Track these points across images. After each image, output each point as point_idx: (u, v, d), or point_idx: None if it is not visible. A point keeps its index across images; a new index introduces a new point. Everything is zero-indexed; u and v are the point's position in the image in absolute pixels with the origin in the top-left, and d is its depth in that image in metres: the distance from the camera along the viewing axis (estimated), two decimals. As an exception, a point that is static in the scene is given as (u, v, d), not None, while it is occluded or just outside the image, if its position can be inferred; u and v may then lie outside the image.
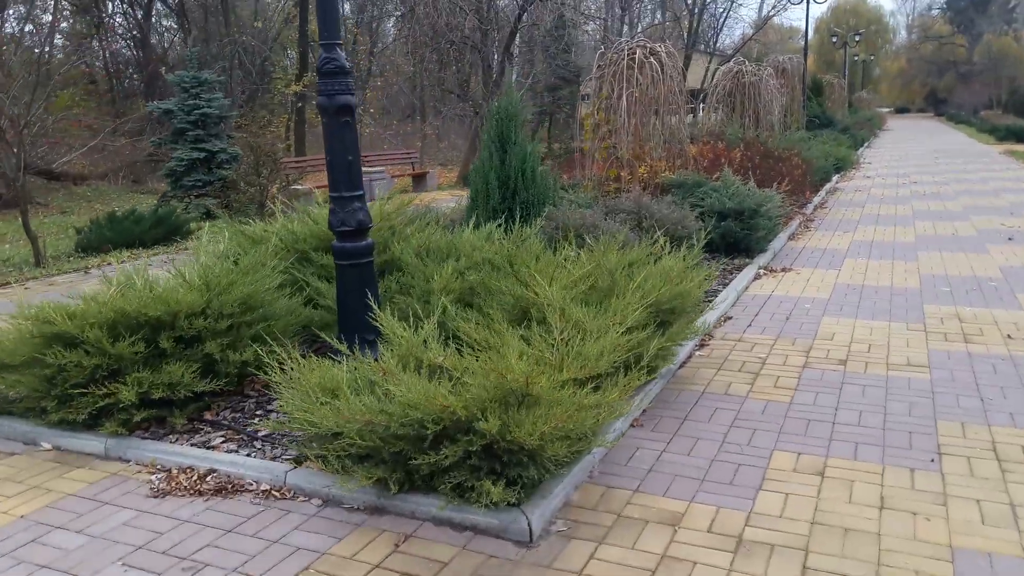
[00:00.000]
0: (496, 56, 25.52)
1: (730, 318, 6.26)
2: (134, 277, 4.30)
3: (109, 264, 9.62)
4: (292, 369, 3.28)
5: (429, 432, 2.84)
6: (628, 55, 9.32)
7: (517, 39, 32.41)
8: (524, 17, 26.61)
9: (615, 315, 3.89)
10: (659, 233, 5.56)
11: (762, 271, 8.00)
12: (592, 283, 4.47)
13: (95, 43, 31.00)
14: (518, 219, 6.40)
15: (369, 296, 4.03)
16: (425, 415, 2.80)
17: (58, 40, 32.75)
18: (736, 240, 8.36)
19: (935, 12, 76.53)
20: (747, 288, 7.31)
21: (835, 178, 17.33)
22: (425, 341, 3.53)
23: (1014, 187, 15.50)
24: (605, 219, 6.30)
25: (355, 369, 3.30)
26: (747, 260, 8.20)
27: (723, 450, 3.74)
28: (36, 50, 28.98)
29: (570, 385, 3.21)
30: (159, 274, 4.41)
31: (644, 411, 4.24)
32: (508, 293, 4.19)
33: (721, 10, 45.82)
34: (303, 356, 3.44)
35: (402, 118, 34.89)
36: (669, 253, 5.22)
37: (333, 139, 3.95)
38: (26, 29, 29.13)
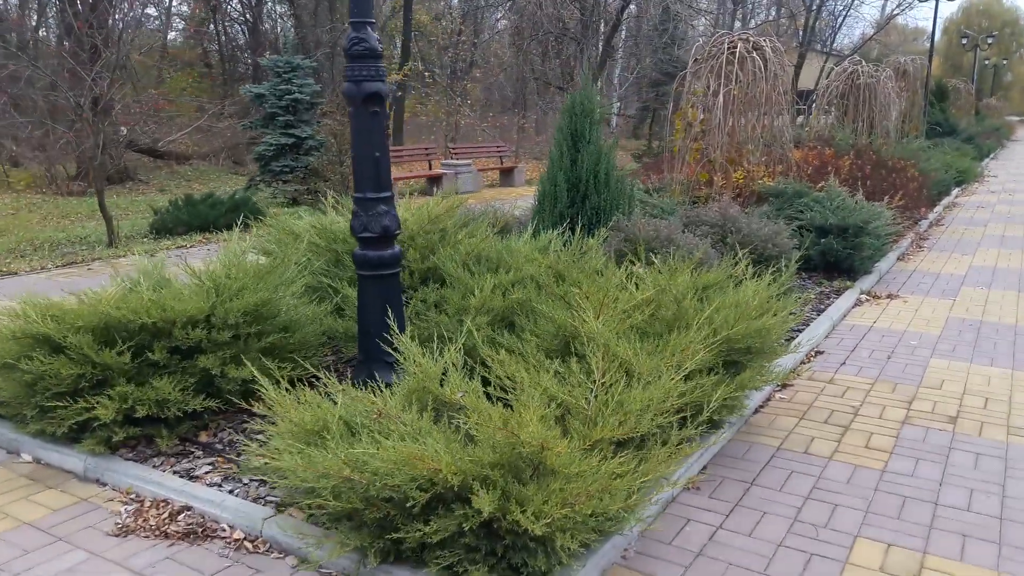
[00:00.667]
0: (598, 49, 24.81)
1: (821, 352, 5.49)
2: (151, 272, 3.94)
3: (181, 247, 9.54)
4: (275, 399, 2.81)
5: (417, 500, 2.31)
6: (728, 49, 8.53)
7: (623, 33, 31.61)
8: (630, 9, 25.79)
9: (673, 355, 3.26)
10: (741, 254, 4.85)
11: (864, 297, 7.13)
12: (654, 310, 3.85)
13: (211, 27, 31.96)
14: (586, 227, 5.81)
15: (391, 313, 3.53)
16: (406, 481, 2.28)
17: (179, 25, 33.96)
18: (838, 259, 7.50)
19: (1079, 14, 70.73)
20: (845, 316, 6.48)
21: (955, 191, 15.89)
22: (445, 371, 3.02)
23: None
24: (684, 231, 5.63)
25: (351, 404, 2.81)
26: (848, 283, 7.33)
27: (794, 531, 3.07)
28: (157, 33, 30.11)
29: (604, 446, 2.63)
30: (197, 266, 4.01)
31: (703, 468, 3.60)
32: (549, 318, 3.62)
33: (841, 7, 43.68)
34: (327, 372, 2.97)
35: (501, 111, 34.52)
36: (755, 277, 4.53)
37: (360, 131, 3.47)
38: (147, 11, 30.21)
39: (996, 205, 14.54)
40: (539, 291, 4.03)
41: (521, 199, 14.09)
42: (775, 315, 3.94)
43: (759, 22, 44.14)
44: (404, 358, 3.08)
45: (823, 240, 7.40)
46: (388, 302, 3.56)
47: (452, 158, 17.60)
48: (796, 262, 7.60)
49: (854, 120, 13.34)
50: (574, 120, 6.07)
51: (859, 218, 7.33)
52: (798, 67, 35.12)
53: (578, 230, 5.82)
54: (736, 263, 4.80)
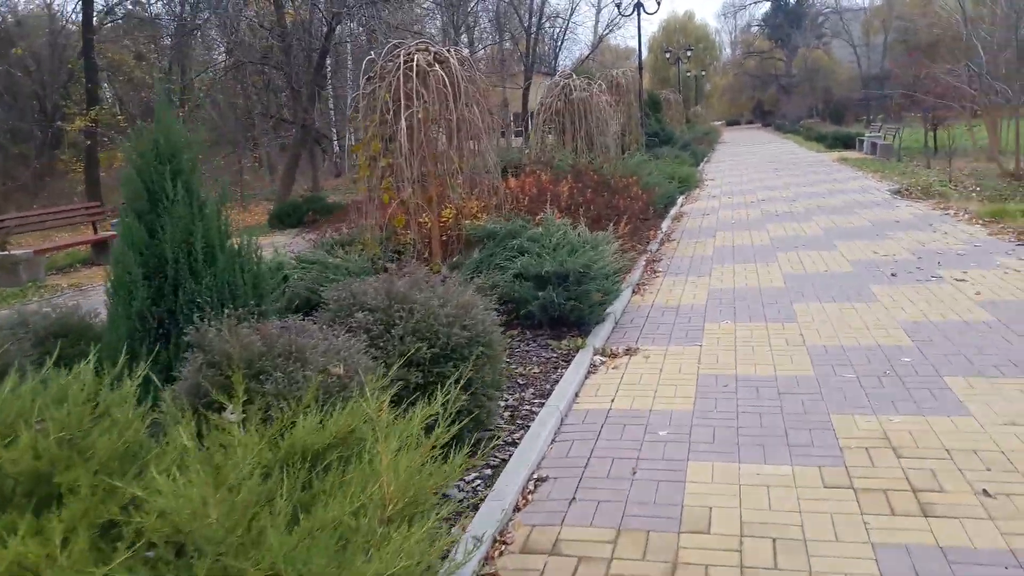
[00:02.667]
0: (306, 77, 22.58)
1: (544, 480, 3.82)
2: None
3: None
4: None
5: None
6: (405, 64, 6.85)
7: (348, 59, 29.58)
8: (338, 34, 23.88)
9: None
10: (414, 351, 3.02)
11: (599, 358, 5.67)
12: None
13: None
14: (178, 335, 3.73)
15: None
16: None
17: None
18: (563, 313, 6.02)
19: (755, 29, 79.82)
20: (577, 397, 4.94)
21: (680, 200, 15.64)
22: None
23: (864, 199, 14.26)
24: (331, 327, 3.75)
25: None
26: (579, 341, 5.85)
27: None
28: None
29: None
30: None
31: None
32: None
33: (558, 31, 45.06)
34: None
35: (233, 151, 30.85)
36: (426, 394, 2.72)
37: None
38: None
39: (719, 211, 14.34)
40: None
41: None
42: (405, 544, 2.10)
43: (485, 47, 44.35)
44: None
45: (542, 293, 5.88)
46: None
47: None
48: (512, 318, 6.07)
49: (573, 138, 12.37)
50: (148, 169, 3.95)
51: (579, 262, 5.90)
52: (526, 90, 35.33)
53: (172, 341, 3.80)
54: (389, 384, 2.97)
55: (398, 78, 6.81)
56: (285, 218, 17.60)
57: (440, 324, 3.87)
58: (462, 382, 3.56)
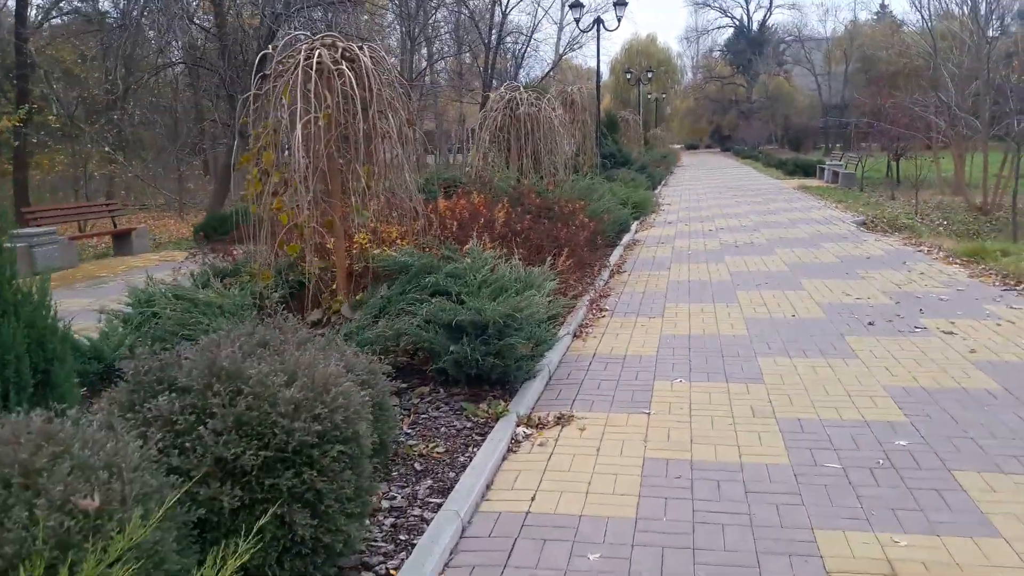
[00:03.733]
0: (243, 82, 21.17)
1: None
2: None
3: None
4: None
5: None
6: (305, 60, 5.70)
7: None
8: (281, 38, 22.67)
9: None
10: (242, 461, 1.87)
11: (523, 431, 4.54)
12: None
13: None
14: None
15: None
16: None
17: None
18: (483, 372, 4.89)
19: (716, 54, 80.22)
20: (488, 491, 3.80)
21: (634, 226, 14.67)
22: None
23: (829, 231, 13.45)
24: (125, 416, 2.59)
25: None
26: (501, 406, 4.72)
27: None
28: None
29: None
30: None
31: None
32: None
33: (520, 47, 44.32)
34: None
35: (186, 156, 28.88)
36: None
37: None
38: None
39: (675, 239, 13.39)
40: None
41: (130, 275, 10.32)
42: None
43: (445, 59, 43.38)
44: None
45: (454, 347, 4.74)
46: None
47: (27, 225, 13.07)
48: (424, 371, 4.94)
49: (519, 157, 11.30)
50: None
51: (502, 310, 4.78)
52: (482, 104, 34.33)
53: None
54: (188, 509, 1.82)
55: (296, 77, 5.65)
56: (211, 232, 16.22)
57: (279, 413, 2.71)
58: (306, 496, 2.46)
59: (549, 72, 43.97)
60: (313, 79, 5.73)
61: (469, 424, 4.57)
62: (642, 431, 4.50)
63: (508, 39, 42.39)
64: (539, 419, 4.70)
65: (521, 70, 43.99)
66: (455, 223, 7.11)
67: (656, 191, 24.14)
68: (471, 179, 10.22)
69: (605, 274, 9.31)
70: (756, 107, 67.96)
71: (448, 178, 10.53)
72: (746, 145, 62.76)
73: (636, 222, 15.34)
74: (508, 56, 44.52)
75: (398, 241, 6.58)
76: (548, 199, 9.07)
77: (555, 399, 5.12)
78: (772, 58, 70.81)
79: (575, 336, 6.76)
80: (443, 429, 4.51)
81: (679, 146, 75.09)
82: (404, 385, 5.06)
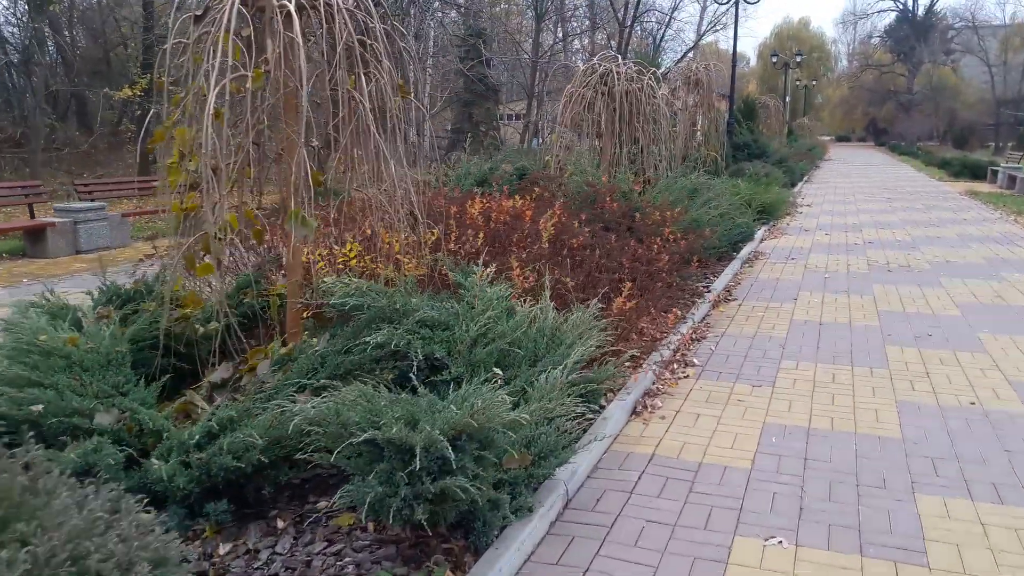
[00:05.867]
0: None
1: None
2: None
3: None
4: None
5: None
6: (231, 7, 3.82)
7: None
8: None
9: None
10: None
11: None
12: None
13: None
14: None
15: None
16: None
17: None
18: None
19: (875, 40, 73.64)
20: None
21: (760, 233, 12.12)
22: None
23: (1011, 256, 10.48)
24: None
25: None
26: (443, 581, 2.72)
27: None
28: None
29: None
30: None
31: None
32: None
33: (658, 27, 41.59)
34: None
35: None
36: None
37: None
38: None
39: (810, 254, 10.81)
40: None
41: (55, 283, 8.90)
42: None
43: (579, 37, 41.25)
44: None
45: (366, 484, 2.73)
46: None
47: None
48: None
49: (613, 145, 9.08)
50: None
51: (451, 419, 2.69)
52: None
53: None
54: None
55: (224, 14, 3.78)
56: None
57: None
58: None
59: (687, 54, 40.89)
60: (248, 21, 3.85)
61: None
62: None
63: (644, 17, 39.72)
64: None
65: (661, 53, 41.06)
66: (480, 233, 5.09)
67: (796, 188, 21.15)
68: (542, 174, 8.14)
69: (703, 307, 7.01)
70: (917, 99, 61.65)
71: (520, 168, 8.55)
72: (903, 140, 57.15)
73: (764, 227, 12.78)
74: (647, 38, 41.78)
75: (374, 264, 4.63)
76: (633, 203, 6.87)
77: (557, 562, 3.04)
78: (938, 45, 64.05)
79: (633, 414, 4.62)
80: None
81: (828, 138, 69.67)
82: (286, 522, 3.13)
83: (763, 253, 10.84)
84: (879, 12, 72.93)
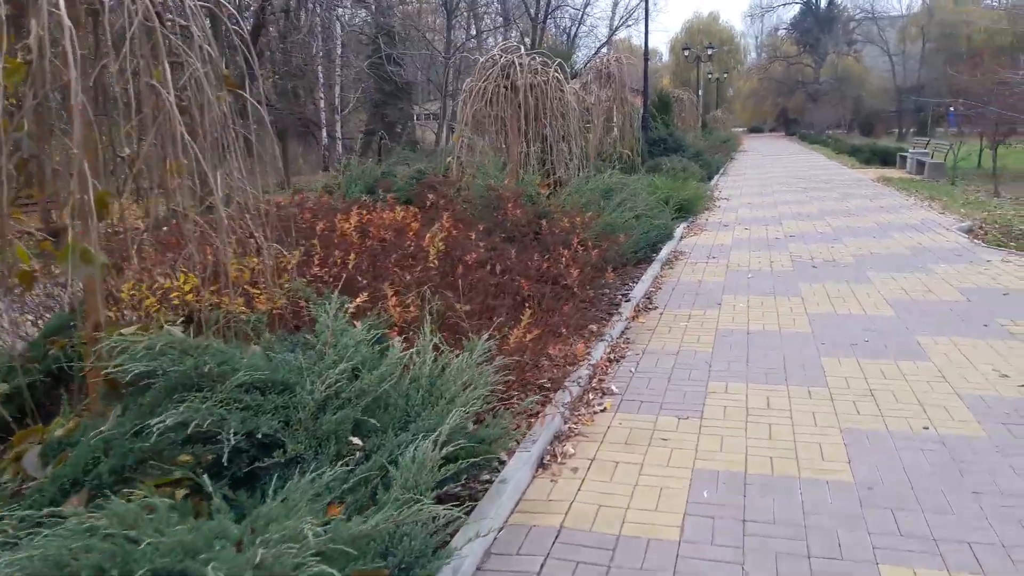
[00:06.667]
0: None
1: None
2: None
3: None
4: None
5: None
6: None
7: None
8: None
9: None
10: None
11: None
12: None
13: None
14: None
15: None
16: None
17: None
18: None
19: (782, 32, 75.29)
20: None
21: (679, 231, 11.54)
22: None
23: (932, 244, 10.14)
24: None
25: None
26: None
27: None
28: None
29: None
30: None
31: None
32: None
33: (571, 25, 41.32)
34: None
35: None
36: None
37: None
38: None
39: (731, 251, 10.28)
40: None
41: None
42: None
43: (490, 34, 40.44)
44: None
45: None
46: None
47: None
48: None
49: (520, 144, 8.30)
50: None
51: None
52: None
53: None
54: None
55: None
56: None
57: None
58: None
59: (600, 49, 40.63)
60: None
61: None
62: None
63: (557, 14, 39.32)
64: None
65: (576, 49, 40.67)
66: (351, 255, 4.21)
67: (712, 182, 20.84)
68: (444, 177, 7.29)
69: (620, 323, 6.27)
70: (824, 89, 63.17)
71: (417, 172, 7.70)
72: (813, 129, 58.45)
73: (684, 224, 12.23)
74: (561, 35, 41.40)
75: (217, 297, 3.72)
76: (540, 208, 6.09)
77: None
78: (842, 36, 65.93)
79: (540, 467, 3.83)
80: None
81: (742, 129, 70.75)
82: None
83: (683, 252, 10.25)
84: (785, 5, 74.14)
